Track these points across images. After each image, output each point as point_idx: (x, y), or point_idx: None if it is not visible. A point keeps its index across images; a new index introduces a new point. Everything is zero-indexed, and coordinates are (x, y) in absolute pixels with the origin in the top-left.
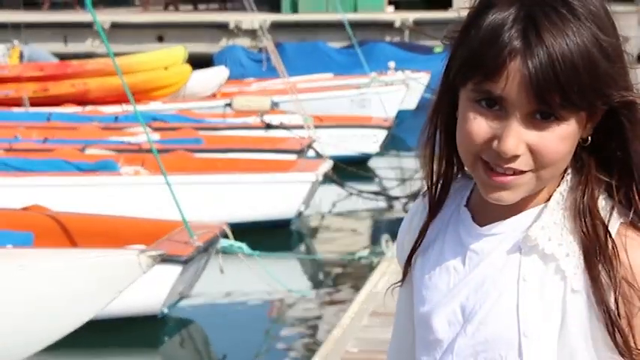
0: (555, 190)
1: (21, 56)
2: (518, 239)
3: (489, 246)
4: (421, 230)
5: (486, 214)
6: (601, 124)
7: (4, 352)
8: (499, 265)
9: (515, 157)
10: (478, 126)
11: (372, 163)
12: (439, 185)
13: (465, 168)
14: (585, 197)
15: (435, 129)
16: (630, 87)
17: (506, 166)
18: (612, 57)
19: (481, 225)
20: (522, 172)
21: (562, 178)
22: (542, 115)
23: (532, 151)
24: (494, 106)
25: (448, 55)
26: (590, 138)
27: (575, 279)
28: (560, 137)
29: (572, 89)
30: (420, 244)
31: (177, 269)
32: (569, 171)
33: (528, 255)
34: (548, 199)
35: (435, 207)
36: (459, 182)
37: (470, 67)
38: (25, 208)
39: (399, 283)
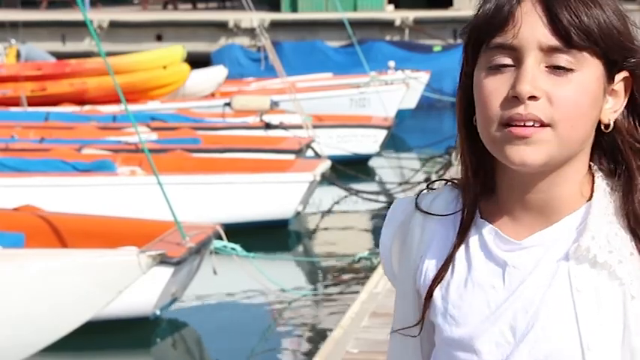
0: (592, 196)
1: (18, 55)
2: (565, 250)
3: (531, 259)
4: (450, 254)
5: (515, 225)
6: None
7: (2, 353)
8: (546, 278)
9: (534, 99)
10: (494, 87)
11: (372, 163)
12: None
13: (488, 148)
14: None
15: (465, 136)
16: None
17: (524, 112)
18: (613, 12)
19: (511, 237)
20: (541, 126)
21: (593, 181)
22: (557, 67)
23: (549, 98)
24: (510, 67)
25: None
26: (613, 124)
27: (632, 285)
28: (578, 87)
29: (592, 28)
30: (446, 269)
31: (168, 271)
32: (600, 174)
33: (578, 265)
34: (587, 200)
35: (468, 224)
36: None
37: (479, 32)
38: (16, 209)
39: (413, 327)
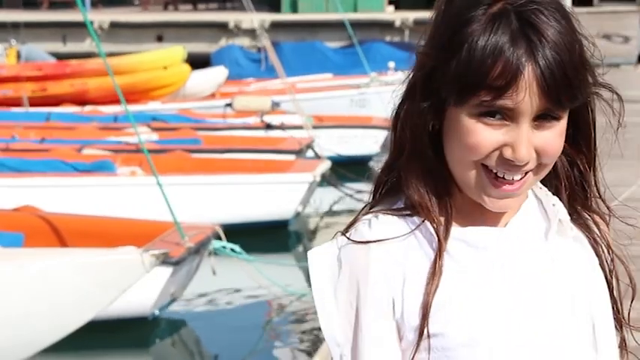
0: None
1: (18, 56)
2: (539, 228)
3: (514, 244)
4: (434, 265)
5: (484, 219)
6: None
7: (2, 353)
8: (534, 258)
9: (527, 162)
10: (485, 138)
11: (373, 164)
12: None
13: (459, 181)
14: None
15: (425, 146)
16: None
17: (519, 171)
18: (584, 53)
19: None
20: (527, 173)
21: None
22: (542, 116)
23: (538, 152)
24: (496, 115)
25: (425, 72)
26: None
27: (592, 253)
28: (559, 134)
29: (576, 85)
30: (436, 280)
31: (167, 270)
32: None
33: (557, 240)
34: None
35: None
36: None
37: (474, 87)
38: (16, 209)
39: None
